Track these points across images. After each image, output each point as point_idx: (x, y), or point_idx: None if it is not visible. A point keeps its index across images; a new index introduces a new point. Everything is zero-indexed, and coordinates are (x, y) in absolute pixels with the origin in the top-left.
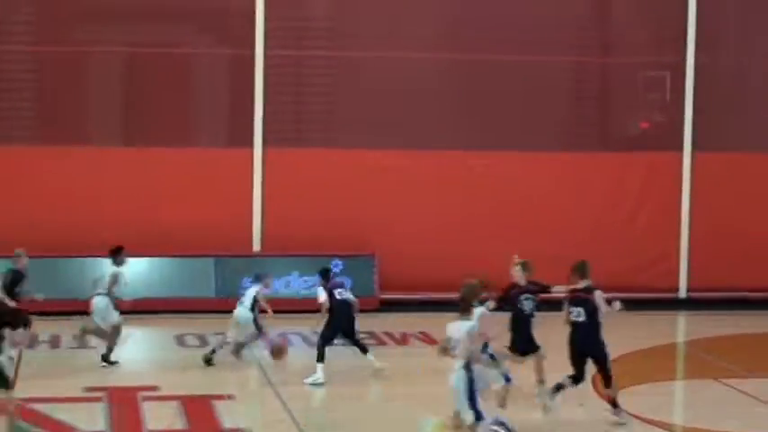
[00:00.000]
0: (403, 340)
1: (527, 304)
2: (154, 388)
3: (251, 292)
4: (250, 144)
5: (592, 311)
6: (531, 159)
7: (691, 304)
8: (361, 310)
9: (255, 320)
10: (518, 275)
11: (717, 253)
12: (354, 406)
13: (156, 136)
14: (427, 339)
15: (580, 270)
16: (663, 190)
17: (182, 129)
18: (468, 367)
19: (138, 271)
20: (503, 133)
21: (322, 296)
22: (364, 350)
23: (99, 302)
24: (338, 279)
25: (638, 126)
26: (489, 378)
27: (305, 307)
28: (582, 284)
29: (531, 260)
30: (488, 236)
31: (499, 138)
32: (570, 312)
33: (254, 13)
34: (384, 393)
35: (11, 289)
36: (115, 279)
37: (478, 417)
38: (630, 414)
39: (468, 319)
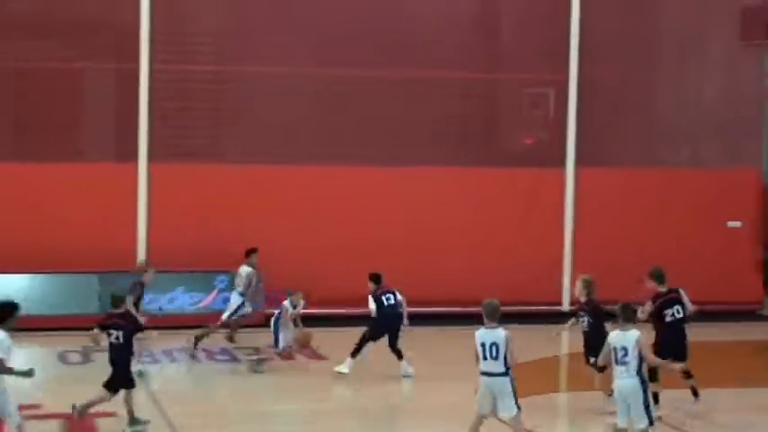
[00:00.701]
0: (287, 356)
1: (580, 320)
2: (36, 406)
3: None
4: (135, 159)
5: (684, 310)
6: (417, 174)
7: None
8: (247, 325)
9: (275, 331)
10: (578, 291)
11: (599, 266)
12: (247, 422)
13: (41, 151)
14: (313, 354)
15: (659, 277)
16: (547, 205)
17: (67, 144)
18: (640, 374)
19: (21, 287)
20: (389, 148)
21: (371, 304)
22: (400, 356)
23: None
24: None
25: (523, 142)
26: None
27: (190, 323)
28: (665, 288)
29: (593, 277)
30: (372, 251)
31: (385, 153)
32: (666, 314)
33: (138, 27)
34: (273, 410)
35: (137, 302)
36: (250, 279)
37: (652, 421)
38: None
39: (632, 329)
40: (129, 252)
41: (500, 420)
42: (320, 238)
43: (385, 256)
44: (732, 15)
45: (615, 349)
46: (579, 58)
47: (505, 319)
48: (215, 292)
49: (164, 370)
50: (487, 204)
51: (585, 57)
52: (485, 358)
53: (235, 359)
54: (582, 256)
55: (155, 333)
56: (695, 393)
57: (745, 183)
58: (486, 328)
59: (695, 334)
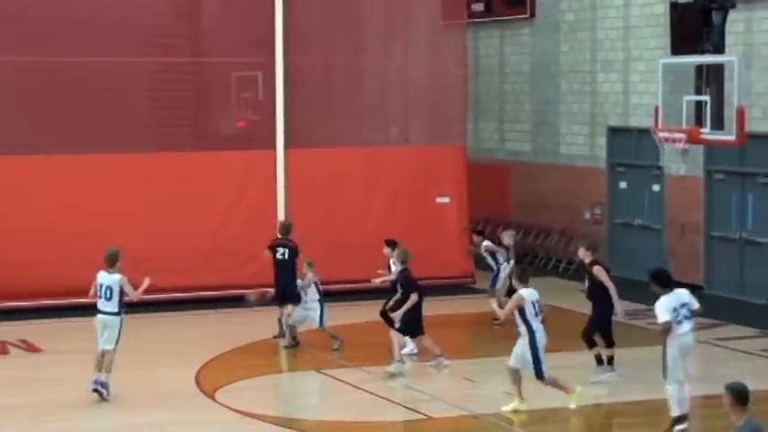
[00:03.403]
0: (2, 350)
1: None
2: None
3: None
4: None
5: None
6: (128, 161)
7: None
8: None
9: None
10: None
11: (314, 246)
12: None
13: None
14: (29, 347)
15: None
16: (259, 188)
17: None
18: None
19: None
20: (97, 136)
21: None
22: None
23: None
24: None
25: (234, 125)
26: None
27: None
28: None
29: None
30: (86, 239)
31: (94, 141)
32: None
33: None
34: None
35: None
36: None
37: None
38: (235, 410)
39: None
40: None
41: None
42: (16, 229)
43: (93, 245)
44: None
45: (533, 303)
46: (285, 41)
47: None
48: None
49: None
50: (200, 188)
51: (292, 39)
52: (99, 297)
53: None
54: (296, 237)
55: None
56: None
57: (452, 159)
58: (107, 272)
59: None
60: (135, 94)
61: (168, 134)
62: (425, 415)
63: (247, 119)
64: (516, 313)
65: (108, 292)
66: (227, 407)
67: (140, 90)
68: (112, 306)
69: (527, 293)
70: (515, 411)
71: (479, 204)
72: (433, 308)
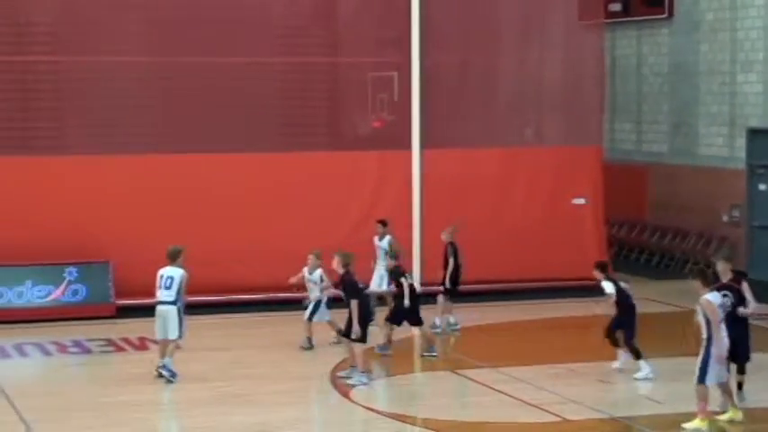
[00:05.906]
0: (141, 345)
1: None
2: None
3: None
4: None
5: None
6: (261, 161)
7: (425, 298)
8: (98, 317)
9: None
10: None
11: None
12: (95, 414)
13: None
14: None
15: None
16: (395, 188)
17: None
18: None
19: None
20: (231, 136)
21: (608, 288)
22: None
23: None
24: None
25: (369, 125)
26: None
27: (39, 316)
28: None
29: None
30: (222, 238)
31: (231, 140)
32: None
33: None
34: (117, 401)
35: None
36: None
37: None
38: (369, 409)
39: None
40: None
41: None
42: (168, 226)
43: (234, 243)
44: None
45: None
46: (421, 41)
47: None
48: (65, 283)
49: (15, 364)
50: (336, 188)
51: (428, 39)
52: (159, 288)
53: (87, 351)
54: (430, 237)
55: None
56: None
57: (588, 160)
58: (170, 266)
59: (546, 310)
60: (270, 94)
61: (303, 134)
62: (559, 416)
63: (383, 119)
64: (701, 319)
65: (169, 281)
66: (361, 405)
67: (276, 90)
68: (169, 295)
69: (714, 297)
70: (731, 421)
71: (615, 205)
72: (567, 309)
